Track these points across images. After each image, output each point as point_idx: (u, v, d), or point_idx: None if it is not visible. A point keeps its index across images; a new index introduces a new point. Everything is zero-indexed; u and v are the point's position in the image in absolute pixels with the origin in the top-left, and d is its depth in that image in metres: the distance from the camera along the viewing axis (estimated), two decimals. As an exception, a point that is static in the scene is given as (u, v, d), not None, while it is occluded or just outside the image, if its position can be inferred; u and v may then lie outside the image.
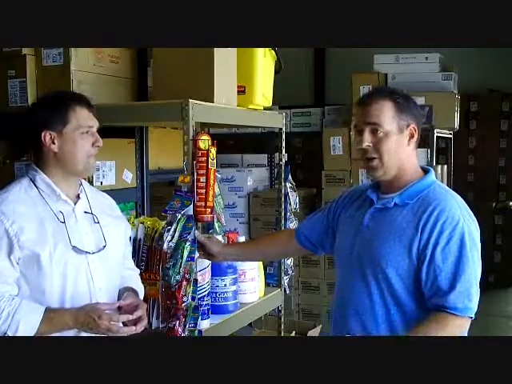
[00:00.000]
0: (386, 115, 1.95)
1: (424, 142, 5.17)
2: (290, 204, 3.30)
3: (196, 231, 2.32)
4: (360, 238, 2.03)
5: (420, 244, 1.89)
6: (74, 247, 1.95)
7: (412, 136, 1.98)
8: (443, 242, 1.87)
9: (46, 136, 1.97)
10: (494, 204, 7.06)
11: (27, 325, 1.85)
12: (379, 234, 1.97)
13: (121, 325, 1.94)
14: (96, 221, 2.05)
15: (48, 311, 1.89)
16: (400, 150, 1.97)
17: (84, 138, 2.00)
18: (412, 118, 1.98)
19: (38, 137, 1.97)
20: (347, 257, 2.06)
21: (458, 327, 1.87)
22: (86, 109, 2.03)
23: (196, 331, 2.31)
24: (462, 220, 1.89)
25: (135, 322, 1.97)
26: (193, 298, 2.28)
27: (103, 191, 2.31)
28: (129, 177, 3.12)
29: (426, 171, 2.06)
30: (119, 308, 1.99)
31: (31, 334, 1.86)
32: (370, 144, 1.97)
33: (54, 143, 1.97)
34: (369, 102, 1.99)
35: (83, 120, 2.00)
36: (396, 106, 1.96)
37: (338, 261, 2.16)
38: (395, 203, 1.97)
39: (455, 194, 2.02)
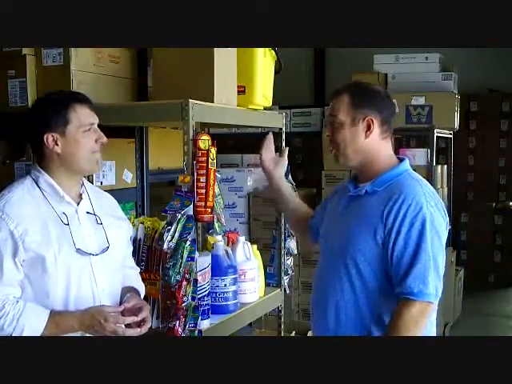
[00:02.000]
0: (341, 107, 2.06)
1: (424, 141, 5.18)
2: (290, 204, 3.30)
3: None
4: (334, 225, 2.13)
5: (384, 231, 1.95)
6: (78, 250, 1.95)
7: (369, 128, 2.04)
8: (405, 229, 1.93)
9: (49, 138, 1.96)
10: (494, 204, 7.06)
11: (32, 328, 1.85)
12: (349, 221, 2.05)
13: (124, 327, 1.94)
14: (99, 222, 2.05)
15: (53, 314, 1.88)
16: (356, 141, 2.05)
17: (86, 135, 1.99)
18: (371, 111, 2.04)
19: (40, 139, 1.96)
20: (324, 245, 2.18)
21: (417, 312, 1.90)
22: (87, 106, 2.02)
23: (196, 331, 2.30)
24: (424, 207, 1.94)
25: (139, 324, 1.97)
26: (193, 298, 2.28)
27: (104, 191, 2.31)
28: (129, 177, 3.12)
29: (402, 161, 2.12)
30: (123, 310, 1.98)
31: None
32: (329, 134, 2.11)
33: (57, 144, 1.97)
34: (333, 96, 2.12)
35: (84, 118, 2.00)
36: (352, 99, 2.05)
37: (320, 250, 2.26)
38: (366, 191, 2.04)
39: (426, 183, 2.07)
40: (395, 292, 1.94)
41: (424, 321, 1.93)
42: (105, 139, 2.04)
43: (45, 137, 1.96)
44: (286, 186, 2.58)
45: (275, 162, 2.55)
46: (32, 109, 2.09)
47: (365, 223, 1.99)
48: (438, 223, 1.96)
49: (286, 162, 2.62)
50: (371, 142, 2.06)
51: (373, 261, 1.97)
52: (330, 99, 2.12)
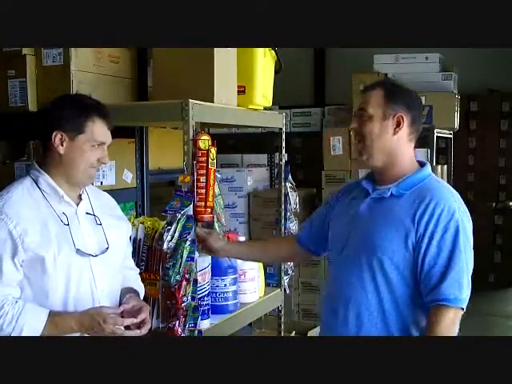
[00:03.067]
0: (373, 102, 2.02)
1: (424, 141, 5.17)
2: (290, 204, 3.31)
3: (197, 227, 2.32)
4: (355, 227, 2.05)
5: (416, 236, 1.92)
6: (77, 250, 1.95)
7: (398, 124, 2.01)
8: (438, 235, 1.91)
9: (57, 136, 1.95)
10: (493, 204, 7.06)
11: (31, 328, 1.84)
12: (375, 224, 2.00)
13: (123, 328, 1.94)
14: (98, 222, 2.05)
15: (52, 315, 1.88)
16: (384, 137, 2.01)
17: (93, 150, 1.99)
18: (402, 108, 2.01)
19: (48, 134, 1.96)
20: (342, 246, 2.08)
21: (452, 318, 1.90)
22: (106, 124, 2.01)
23: (196, 331, 2.31)
24: (457, 213, 1.93)
25: (139, 325, 1.97)
26: (193, 298, 2.28)
27: (103, 191, 2.31)
28: (129, 177, 3.12)
29: (422, 165, 2.09)
30: (122, 311, 1.98)
31: None
32: (356, 126, 2.05)
33: (62, 145, 1.96)
34: (365, 90, 2.09)
35: (98, 134, 1.99)
36: (386, 94, 2.02)
37: (332, 250, 2.18)
38: (392, 193, 2.00)
39: (450, 188, 2.05)
40: (427, 298, 1.91)
41: (457, 327, 1.92)
42: (107, 161, 2.04)
43: (54, 133, 1.95)
44: (229, 248, 2.46)
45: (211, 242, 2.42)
46: (54, 103, 2.06)
47: (395, 227, 1.95)
48: (469, 228, 1.95)
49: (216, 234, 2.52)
50: (398, 141, 2.02)
51: (401, 265, 1.93)
52: (362, 93, 2.09)
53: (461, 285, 1.90)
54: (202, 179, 2.31)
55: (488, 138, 7.12)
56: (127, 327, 1.95)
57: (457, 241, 1.90)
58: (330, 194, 2.36)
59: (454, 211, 1.92)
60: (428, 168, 2.07)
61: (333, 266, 2.16)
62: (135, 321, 1.95)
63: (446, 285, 1.88)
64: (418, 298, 1.95)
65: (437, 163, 5.34)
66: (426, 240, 1.91)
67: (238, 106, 2.77)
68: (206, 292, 2.45)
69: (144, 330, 1.97)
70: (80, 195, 2.05)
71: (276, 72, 3.05)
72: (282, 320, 3.33)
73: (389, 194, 2.00)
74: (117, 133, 2.89)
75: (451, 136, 5.74)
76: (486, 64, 7.01)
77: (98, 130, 1.99)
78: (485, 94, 7.13)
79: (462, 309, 1.92)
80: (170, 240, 2.22)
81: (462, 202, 2.00)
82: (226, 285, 2.65)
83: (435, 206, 1.92)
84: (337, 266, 2.12)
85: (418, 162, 2.09)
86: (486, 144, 7.14)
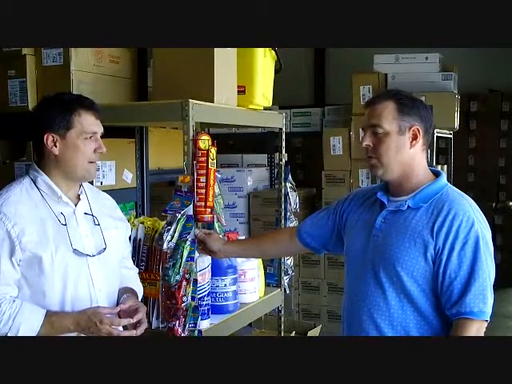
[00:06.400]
0: (387, 116, 1.95)
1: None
2: (290, 204, 3.31)
3: (196, 228, 2.32)
4: (373, 240, 2.01)
5: (436, 248, 1.88)
6: (74, 250, 1.95)
7: (415, 137, 1.96)
8: (458, 246, 1.87)
9: (49, 138, 1.96)
10: (494, 204, 7.06)
11: (28, 328, 1.85)
12: (393, 237, 1.95)
13: (121, 328, 1.94)
14: (96, 223, 2.05)
15: (49, 315, 1.88)
16: (402, 151, 1.96)
17: (86, 143, 1.99)
18: (416, 120, 1.96)
19: (40, 138, 1.96)
20: (360, 259, 2.04)
21: (476, 331, 1.86)
22: (92, 114, 2.01)
23: (196, 331, 2.31)
24: (476, 223, 1.89)
25: (135, 326, 1.97)
26: (193, 298, 2.28)
27: (103, 191, 2.31)
28: (129, 177, 3.12)
29: (436, 174, 2.04)
30: (119, 312, 1.98)
31: None
32: (370, 144, 1.98)
33: (55, 146, 1.96)
34: (373, 103, 2.00)
35: (88, 126, 1.99)
36: (398, 107, 1.96)
37: (349, 263, 2.13)
38: (409, 206, 1.95)
39: (467, 196, 2.01)
40: (450, 311, 1.88)
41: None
42: (104, 149, 2.03)
43: (45, 136, 1.96)
44: (226, 248, 2.44)
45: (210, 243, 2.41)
46: (38, 106, 2.08)
47: (413, 240, 1.91)
48: (489, 238, 1.93)
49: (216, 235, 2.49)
50: (413, 153, 1.97)
51: (420, 279, 1.90)
52: (369, 106, 2.00)
53: (485, 297, 1.87)
54: (202, 179, 2.31)
55: (488, 138, 7.12)
56: (124, 327, 1.95)
57: (477, 252, 1.87)
58: (339, 200, 2.27)
59: (473, 222, 1.89)
60: (443, 178, 2.02)
61: (352, 279, 2.09)
62: (131, 321, 1.95)
63: (470, 297, 1.85)
64: (440, 309, 1.91)
65: (437, 163, 5.34)
66: (445, 252, 1.87)
67: (238, 106, 2.77)
68: (206, 292, 2.45)
69: (140, 331, 1.97)
70: (79, 195, 2.06)
71: (276, 72, 3.05)
72: (282, 320, 3.32)
73: (406, 206, 1.96)
74: (117, 133, 2.92)
75: (451, 136, 5.74)
76: (486, 64, 7.02)
77: (86, 121, 1.99)
78: (485, 94, 7.13)
79: (486, 321, 1.89)
80: (170, 240, 2.22)
81: (481, 212, 1.96)
82: (225, 285, 2.65)
83: (453, 217, 1.88)
84: (357, 280, 2.05)
85: (431, 171, 2.05)
86: (486, 144, 7.14)
